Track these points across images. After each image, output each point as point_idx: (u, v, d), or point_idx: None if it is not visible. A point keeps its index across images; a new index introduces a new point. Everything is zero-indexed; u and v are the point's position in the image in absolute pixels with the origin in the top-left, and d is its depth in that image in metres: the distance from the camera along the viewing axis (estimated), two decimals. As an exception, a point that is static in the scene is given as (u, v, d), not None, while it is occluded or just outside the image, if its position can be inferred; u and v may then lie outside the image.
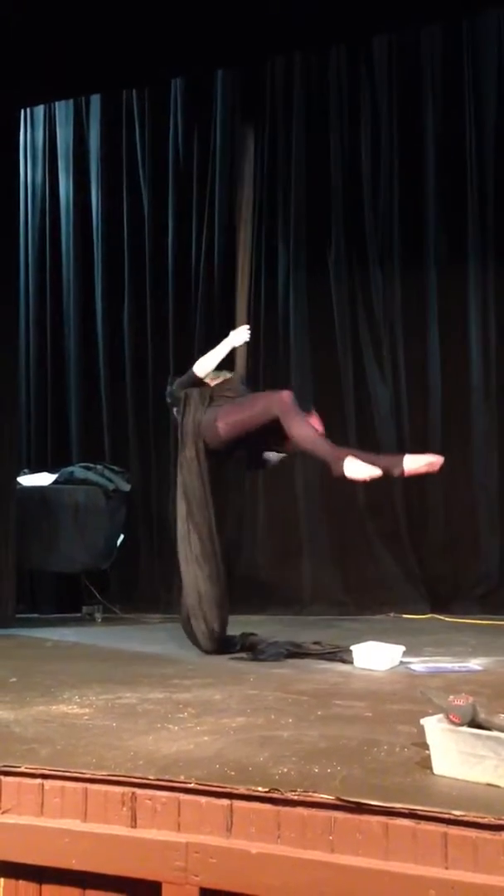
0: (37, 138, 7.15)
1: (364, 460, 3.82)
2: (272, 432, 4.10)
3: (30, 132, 7.10)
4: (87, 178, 6.99)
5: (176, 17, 5.04)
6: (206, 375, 4.35)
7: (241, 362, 4.80)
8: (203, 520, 4.22)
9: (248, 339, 4.57)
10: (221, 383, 4.42)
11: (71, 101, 6.91)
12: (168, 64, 5.56)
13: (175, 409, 4.43)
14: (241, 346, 4.61)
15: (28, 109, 6.84)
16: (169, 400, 4.49)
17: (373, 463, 3.83)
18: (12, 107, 5.85)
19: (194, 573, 4.22)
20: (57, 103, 6.96)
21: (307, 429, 3.98)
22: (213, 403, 4.27)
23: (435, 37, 6.00)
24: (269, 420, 4.03)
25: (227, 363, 4.53)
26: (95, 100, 6.91)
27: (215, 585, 4.20)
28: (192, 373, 4.34)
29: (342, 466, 3.79)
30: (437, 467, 3.93)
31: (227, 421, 4.15)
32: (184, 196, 6.63)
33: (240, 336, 4.51)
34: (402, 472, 3.90)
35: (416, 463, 3.89)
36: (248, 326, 4.63)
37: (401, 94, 6.09)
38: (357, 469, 3.78)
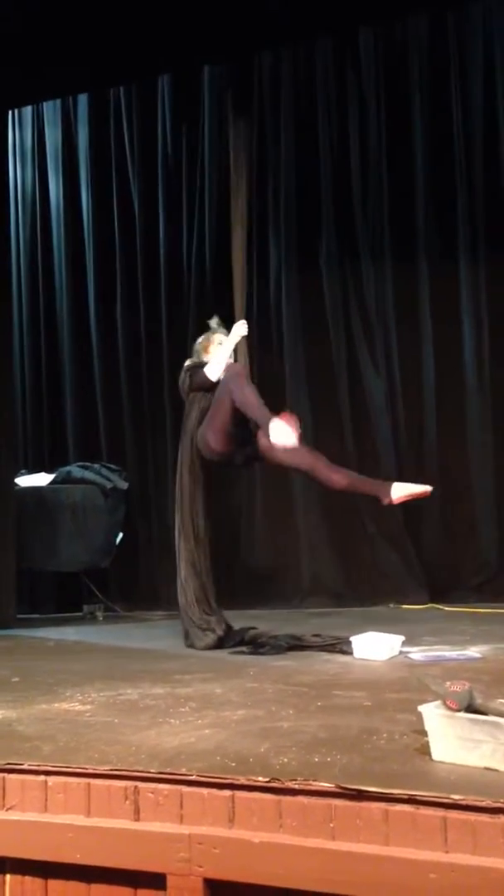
0: (25, 139, 7.15)
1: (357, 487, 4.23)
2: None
3: (18, 133, 7.10)
4: (77, 177, 6.98)
5: (163, 13, 5.04)
6: (218, 378, 4.38)
7: (241, 360, 4.80)
8: (190, 520, 4.36)
9: (245, 334, 4.61)
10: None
11: (58, 101, 6.91)
12: (155, 61, 5.56)
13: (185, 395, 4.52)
14: (240, 342, 4.64)
15: (16, 110, 6.83)
16: (182, 389, 4.54)
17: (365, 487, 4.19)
18: (0, 108, 5.85)
19: (183, 571, 4.37)
20: (45, 103, 6.96)
21: (251, 393, 4.10)
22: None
23: (421, 28, 5.99)
24: (234, 405, 4.13)
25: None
26: (83, 99, 6.90)
27: (197, 584, 4.32)
28: (206, 376, 4.38)
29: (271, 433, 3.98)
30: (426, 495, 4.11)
31: (212, 430, 4.24)
32: (174, 193, 6.64)
33: (238, 331, 4.53)
34: (391, 500, 4.07)
35: (404, 491, 4.06)
36: (244, 322, 4.64)
37: (388, 87, 6.08)
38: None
